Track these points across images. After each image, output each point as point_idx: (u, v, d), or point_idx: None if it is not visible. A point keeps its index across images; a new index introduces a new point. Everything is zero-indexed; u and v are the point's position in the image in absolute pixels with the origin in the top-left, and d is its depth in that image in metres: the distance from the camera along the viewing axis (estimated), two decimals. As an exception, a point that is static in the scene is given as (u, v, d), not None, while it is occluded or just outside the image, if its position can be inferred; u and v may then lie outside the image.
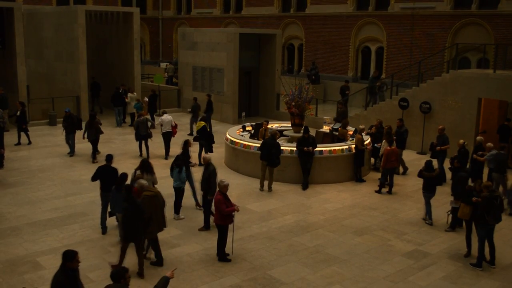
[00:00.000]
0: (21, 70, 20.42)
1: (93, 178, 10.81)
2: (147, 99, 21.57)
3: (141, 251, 8.86)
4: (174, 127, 16.62)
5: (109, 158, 10.96)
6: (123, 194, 8.95)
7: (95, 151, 16.21)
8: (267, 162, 13.50)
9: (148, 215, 8.78)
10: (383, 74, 25.03)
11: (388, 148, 13.59)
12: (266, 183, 13.67)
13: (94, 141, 16.19)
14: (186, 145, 12.46)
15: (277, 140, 15.58)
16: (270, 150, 13.44)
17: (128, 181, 10.04)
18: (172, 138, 16.64)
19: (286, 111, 16.88)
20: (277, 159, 13.55)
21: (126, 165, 14.40)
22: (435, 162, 12.64)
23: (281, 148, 13.83)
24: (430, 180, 11.65)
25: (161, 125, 16.49)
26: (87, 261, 9.29)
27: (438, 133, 14.82)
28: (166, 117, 16.56)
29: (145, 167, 10.86)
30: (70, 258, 6.30)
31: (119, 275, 6.12)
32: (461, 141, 13.46)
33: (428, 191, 11.69)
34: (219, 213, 9.37)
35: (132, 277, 7.63)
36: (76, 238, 10.31)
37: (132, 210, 8.63)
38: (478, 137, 14.16)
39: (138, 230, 8.65)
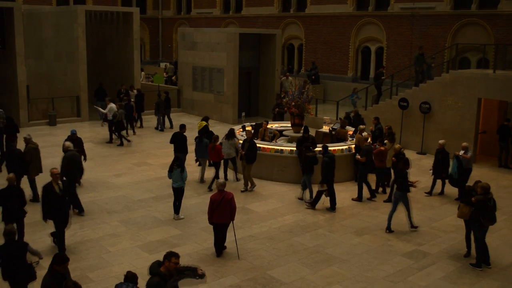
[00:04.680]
0: (21, 70, 20.41)
1: (171, 141, 13.98)
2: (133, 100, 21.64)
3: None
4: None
5: (182, 126, 13.99)
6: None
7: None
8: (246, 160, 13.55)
9: (28, 160, 11.81)
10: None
11: (382, 148, 13.59)
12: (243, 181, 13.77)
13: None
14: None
15: (277, 140, 15.63)
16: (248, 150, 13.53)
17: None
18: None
19: (286, 111, 16.87)
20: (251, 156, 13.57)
21: (130, 160, 14.41)
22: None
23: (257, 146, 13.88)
24: (312, 160, 12.58)
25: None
26: (86, 261, 9.31)
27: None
28: (113, 105, 18.55)
29: (230, 135, 13.77)
30: (58, 262, 6.29)
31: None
32: (397, 145, 13.02)
33: (309, 172, 12.68)
34: (232, 210, 9.45)
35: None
36: (76, 238, 10.31)
37: (14, 156, 11.79)
38: (441, 141, 13.69)
39: (20, 172, 11.57)
